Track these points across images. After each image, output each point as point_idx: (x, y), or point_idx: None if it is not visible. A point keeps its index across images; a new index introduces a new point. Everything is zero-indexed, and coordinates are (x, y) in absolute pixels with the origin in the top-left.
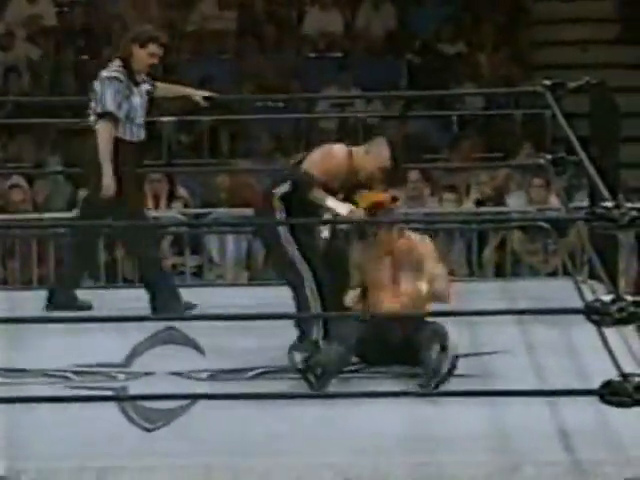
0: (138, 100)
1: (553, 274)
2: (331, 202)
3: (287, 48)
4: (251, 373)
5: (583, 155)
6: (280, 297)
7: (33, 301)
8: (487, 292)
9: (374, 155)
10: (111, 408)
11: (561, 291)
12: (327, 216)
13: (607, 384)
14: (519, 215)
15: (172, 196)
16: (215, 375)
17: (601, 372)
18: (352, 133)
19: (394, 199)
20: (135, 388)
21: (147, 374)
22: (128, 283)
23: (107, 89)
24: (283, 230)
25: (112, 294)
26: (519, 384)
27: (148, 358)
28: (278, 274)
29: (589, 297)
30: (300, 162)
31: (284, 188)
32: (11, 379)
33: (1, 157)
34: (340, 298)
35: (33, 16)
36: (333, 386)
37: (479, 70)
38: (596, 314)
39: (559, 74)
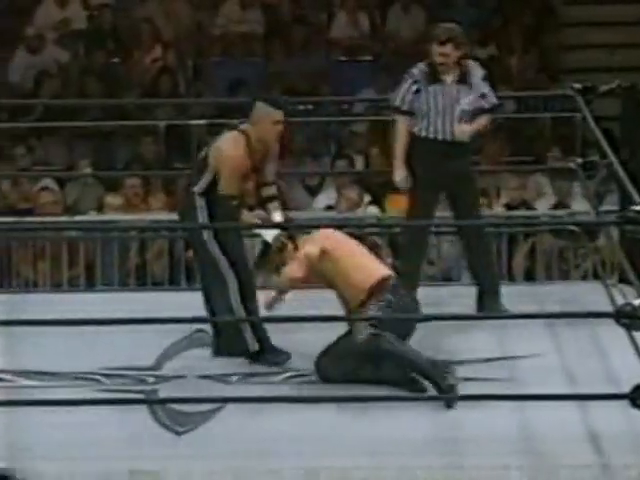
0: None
1: (583, 278)
2: (261, 232)
3: (315, 51)
4: (280, 377)
5: (613, 158)
6: (312, 300)
7: (63, 304)
8: (517, 296)
9: (261, 117)
10: (141, 411)
11: (591, 295)
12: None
13: (637, 388)
14: (549, 219)
15: None
16: (244, 378)
17: (631, 376)
18: (382, 136)
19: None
20: (165, 391)
21: (177, 377)
22: (157, 286)
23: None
24: (207, 232)
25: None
26: (549, 388)
27: (178, 361)
28: (201, 277)
29: (619, 301)
30: (206, 160)
31: (204, 182)
32: (42, 382)
33: (31, 160)
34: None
35: (63, 20)
36: (359, 390)
37: (508, 73)
38: (626, 318)
39: (587, 77)
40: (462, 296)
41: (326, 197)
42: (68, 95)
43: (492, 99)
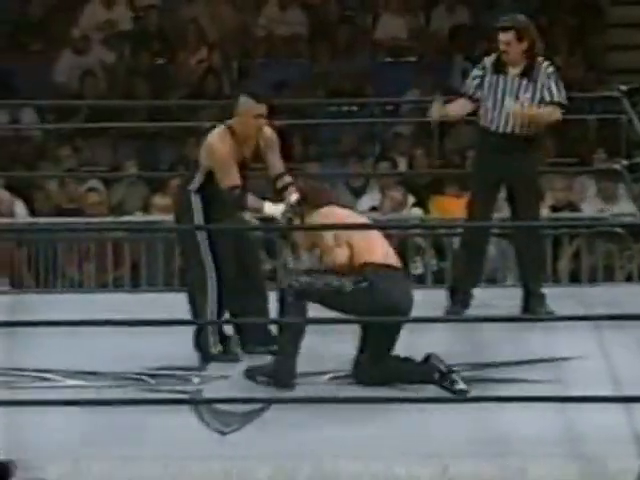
0: None
1: (628, 279)
2: (267, 208)
3: (360, 52)
4: (325, 377)
5: None
6: None
7: (108, 304)
8: (562, 297)
9: (243, 111)
10: (186, 411)
11: (636, 296)
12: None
13: None
14: (595, 221)
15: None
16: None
17: None
18: (427, 137)
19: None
20: (210, 391)
21: (221, 377)
22: None
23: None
24: (200, 233)
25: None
26: (594, 390)
27: (223, 362)
28: (187, 278)
29: None
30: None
31: (198, 181)
32: (88, 382)
33: (77, 161)
34: (244, 304)
35: (109, 21)
36: (404, 391)
37: None
38: None
39: (633, 78)
40: (506, 298)
41: (370, 198)
42: (114, 96)
43: (558, 96)
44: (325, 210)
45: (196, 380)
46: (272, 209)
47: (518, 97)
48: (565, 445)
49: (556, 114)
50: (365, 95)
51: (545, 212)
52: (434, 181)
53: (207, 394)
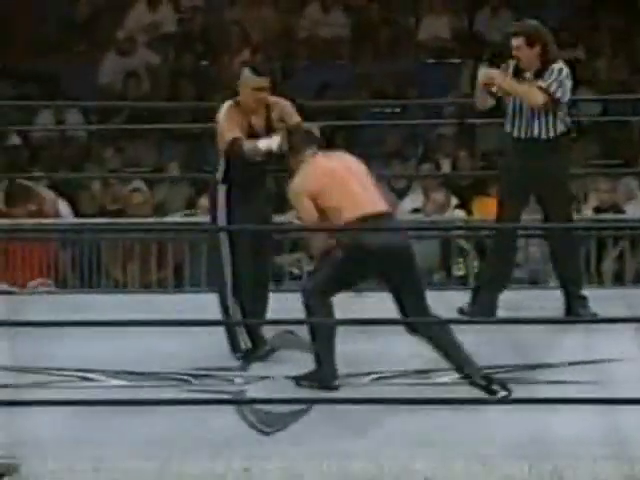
0: None
1: None
2: (261, 144)
3: (403, 54)
4: (367, 378)
5: None
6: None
7: (150, 304)
8: (606, 299)
9: (243, 83)
10: (229, 411)
11: None
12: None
13: None
14: (639, 223)
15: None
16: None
17: None
18: (470, 139)
19: None
20: (253, 391)
21: (264, 378)
22: None
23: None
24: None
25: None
26: (636, 391)
27: (265, 362)
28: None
29: None
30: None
31: (221, 168)
32: (132, 382)
33: (121, 161)
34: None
35: (153, 23)
36: (450, 392)
37: (596, 75)
38: None
39: None
40: (549, 299)
41: (413, 200)
42: (157, 97)
43: (545, 84)
44: (311, 160)
45: (239, 380)
46: (266, 143)
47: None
48: (607, 447)
49: (535, 95)
50: (408, 96)
51: (589, 213)
52: (477, 182)
53: (250, 394)
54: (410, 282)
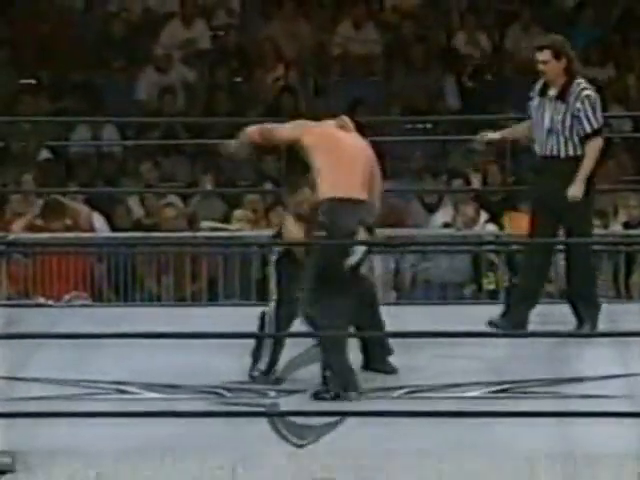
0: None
1: None
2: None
3: (434, 70)
4: (399, 392)
5: None
6: (427, 316)
7: (184, 317)
8: (634, 314)
9: None
10: (263, 424)
11: None
12: None
13: None
14: None
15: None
16: (364, 393)
17: None
18: (501, 155)
19: None
20: (285, 405)
21: (297, 391)
22: None
23: (596, 107)
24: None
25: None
26: None
27: (298, 375)
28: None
29: None
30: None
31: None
32: (166, 394)
33: (156, 176)
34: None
35: (189, 39)
36: (480, 405)
37: (627, 92)
38: None
39: None
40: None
41: (443, 214)
42: (193, 113)
43: (592, 122)
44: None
45: (272, 393)
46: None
47: (552, 120)
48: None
49: (595, 147)
50: (439, 112)
51: (618, 229)
52: (507, 197)
53: (283, 407)
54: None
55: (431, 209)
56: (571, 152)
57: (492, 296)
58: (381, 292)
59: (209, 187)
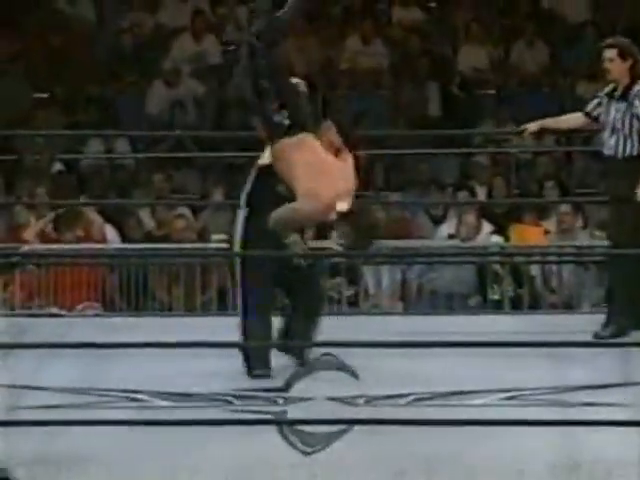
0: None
1: None
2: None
3: (440, 83)
4: (407, 399)
5: None
6: (434, 326)
7: (195, 327)
8: None
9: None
10: (270, 431)
11: None
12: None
13: None
14: None
15: (328, 226)
16: (371, 400)
17: None
18: (506, 168)
19: (546, 232)
20: (294, 412)
21: (306, 399)
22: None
23: None
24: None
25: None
26: None
27: (306, 383)
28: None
29: None
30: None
31: (246, 192)
32: (176, 402)
33: (168, 188)
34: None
35: (198, 53)
36: (484, 413)
37: None
38: None
39: None
40: (580, 324)
41: (449, 226)
42: (203, 127)
43: None
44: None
45: (281, 401)
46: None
47: (615, 119)
48: None
49: None
50: (445, 126)
51: None
52: (512, 209)
53: (291, 415)
54: None
55: (437, 221)
56: (628, 151)
57: (497, 306)
58: (388, 303)
59: (219, 199)
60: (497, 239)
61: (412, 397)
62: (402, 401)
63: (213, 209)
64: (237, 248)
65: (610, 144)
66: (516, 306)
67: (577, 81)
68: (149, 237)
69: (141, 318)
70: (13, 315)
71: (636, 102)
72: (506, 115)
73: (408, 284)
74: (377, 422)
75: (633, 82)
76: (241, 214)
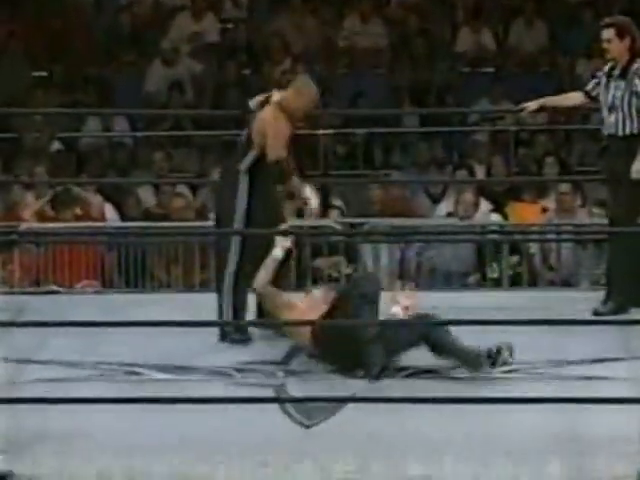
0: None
1: None
2: (308, 192)
3: (439, 63)
4: (403, 372)
5: None
6: (431, 303)
7: (193, 303)
8: None
9: (305, 93)
10: (271, 405)
11: None
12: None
13: None
14: None
15: (327, 205)
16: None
17: None
18: (503, 145)
19: (544, 210)
20: (293, 386)
21: (305, 372)
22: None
23: None
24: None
25: None
26: None
27: (305, 357)
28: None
29: None
30: (249, 139)
31: (248, 161)
32: (177, 376)
33: (166, 167)
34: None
35: (197, 33)
36: (485, 390)
37: None
38: None
39: None
40: (579, 301)
41: (447, 205)
42: (201, 106)
43: None
44: None
45: (281, 374)
46: (310, 194)
47: (614, 97)
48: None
49: None
50: (445, 105)
51: None
52: (511, 188)
53: (291, 388)
54: None
55: (435, 199)
56: (628, 129)
57: (496, 284)
58: (386, 281)
59: (216, 177)
60: (496, 217)
61: (408, 371)
62: (401, 374)
63: (211, 188)
64: (240, 218)
65: (610, 122)
66: (515, 284)
67: (576, 60)
68: (148, 216)
69: (140, 295)
70: (12, 293)
71: (635, 80)
72: (502, 93)
73: (407, 262)
74: (373, 400)
75: (632, 60)
76: (243, 181)
